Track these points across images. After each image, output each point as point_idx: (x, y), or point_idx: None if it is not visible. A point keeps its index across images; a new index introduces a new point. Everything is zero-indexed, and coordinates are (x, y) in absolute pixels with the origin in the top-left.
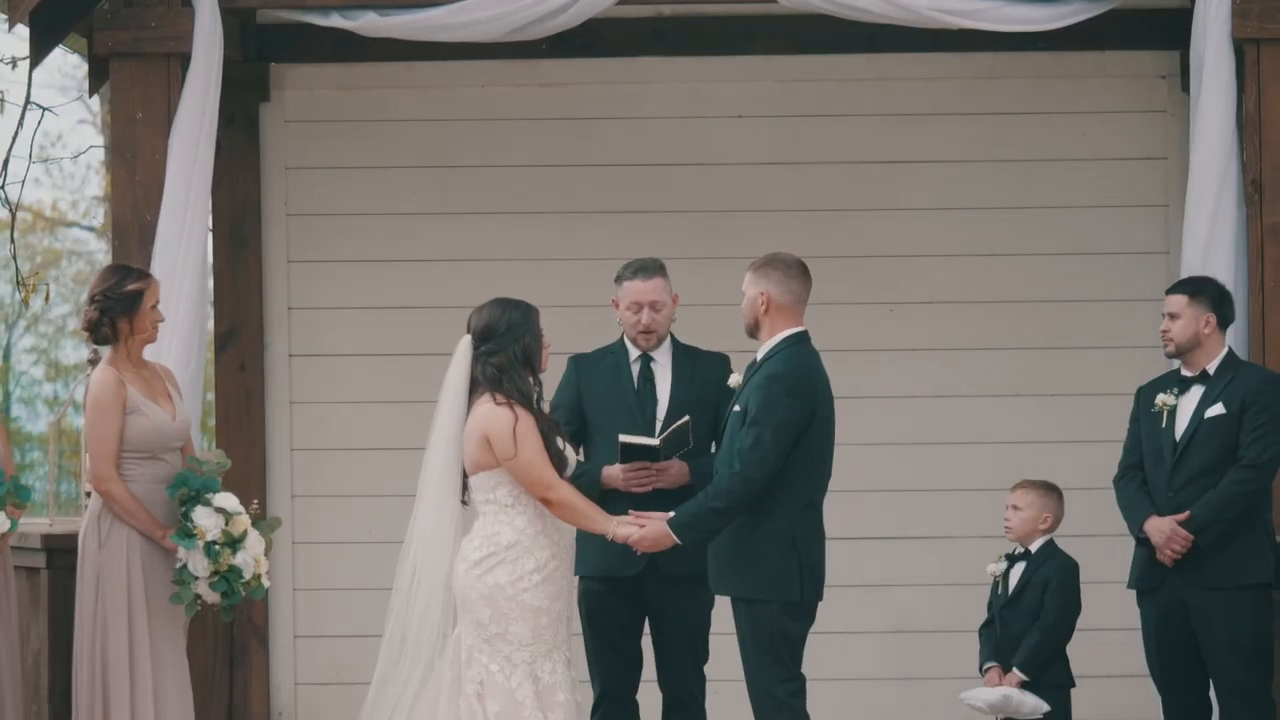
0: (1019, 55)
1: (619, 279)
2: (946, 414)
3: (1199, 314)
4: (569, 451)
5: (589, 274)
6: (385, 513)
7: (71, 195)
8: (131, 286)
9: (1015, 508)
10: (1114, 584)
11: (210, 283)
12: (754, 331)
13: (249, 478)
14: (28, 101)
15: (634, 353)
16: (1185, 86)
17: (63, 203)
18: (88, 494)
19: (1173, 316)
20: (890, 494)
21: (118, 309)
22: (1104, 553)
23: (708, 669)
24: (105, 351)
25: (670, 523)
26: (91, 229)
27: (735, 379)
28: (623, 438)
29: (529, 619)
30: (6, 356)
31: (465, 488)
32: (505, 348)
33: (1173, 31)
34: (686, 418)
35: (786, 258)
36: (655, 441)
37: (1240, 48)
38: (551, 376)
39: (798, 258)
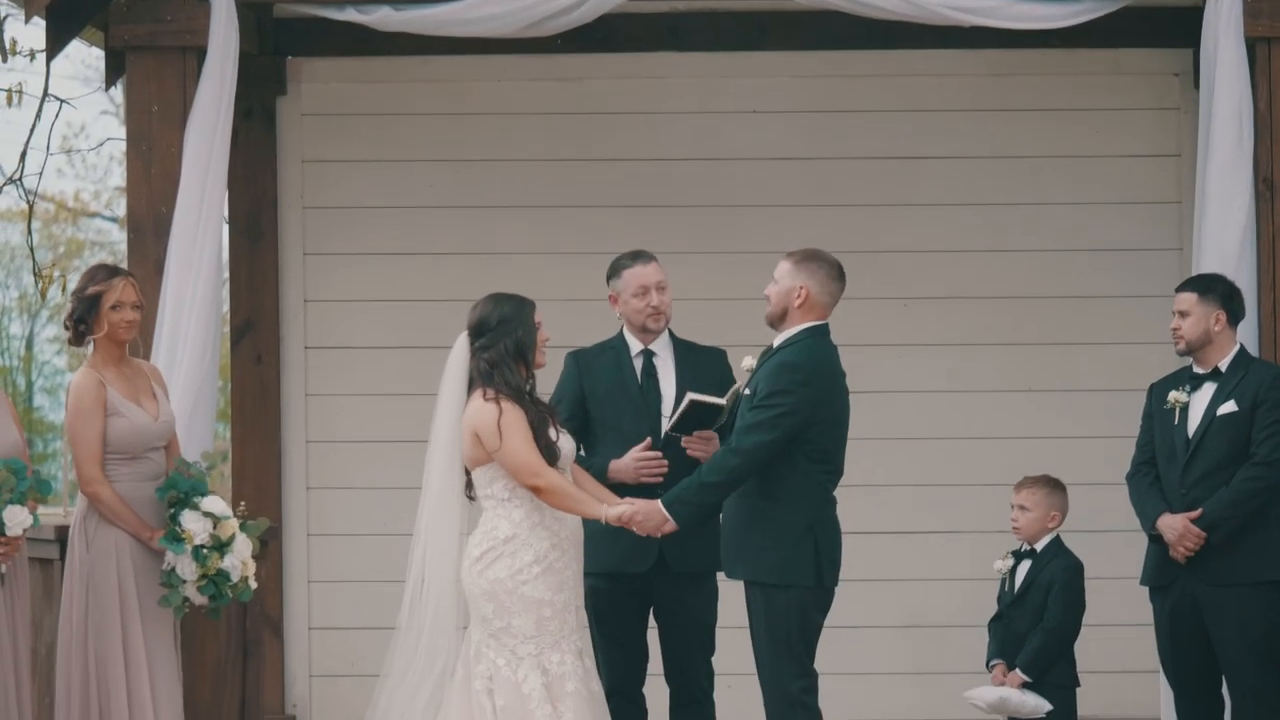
0: (1032, 52)
1: (617, 271)
2: (959, 409)
3: (1209, 311)
4: (565, 441)
5: (602, 269)
6: (400, 505)
7: (94, 186)
8: (91, 289)
9: (1023, 508)
10: (1124, 580)
11: (226, 275)
12: (777, 321)
13: (264, 469)
14: (45, 93)
15: (635, 347)
16: (1198, 84)
17: (85, 193)
18: None
19: (1182, 314)
20: (902, 488)
21: (80, 310)
22: (1115, 549)
23: (719, 663)
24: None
25: (663, 499)
26: (114, 219)
27: (750, 361)
28: (692, 395)
29: (531, 611)
30: (29, 346)
31: (470, 484)
32: (497, 342)
33: (1185, 29)
34: (741, 386)
35: (829, 257)
36: (723, 401)
37: (1252, 46)
38: (551, 372)
39: (837, 259)
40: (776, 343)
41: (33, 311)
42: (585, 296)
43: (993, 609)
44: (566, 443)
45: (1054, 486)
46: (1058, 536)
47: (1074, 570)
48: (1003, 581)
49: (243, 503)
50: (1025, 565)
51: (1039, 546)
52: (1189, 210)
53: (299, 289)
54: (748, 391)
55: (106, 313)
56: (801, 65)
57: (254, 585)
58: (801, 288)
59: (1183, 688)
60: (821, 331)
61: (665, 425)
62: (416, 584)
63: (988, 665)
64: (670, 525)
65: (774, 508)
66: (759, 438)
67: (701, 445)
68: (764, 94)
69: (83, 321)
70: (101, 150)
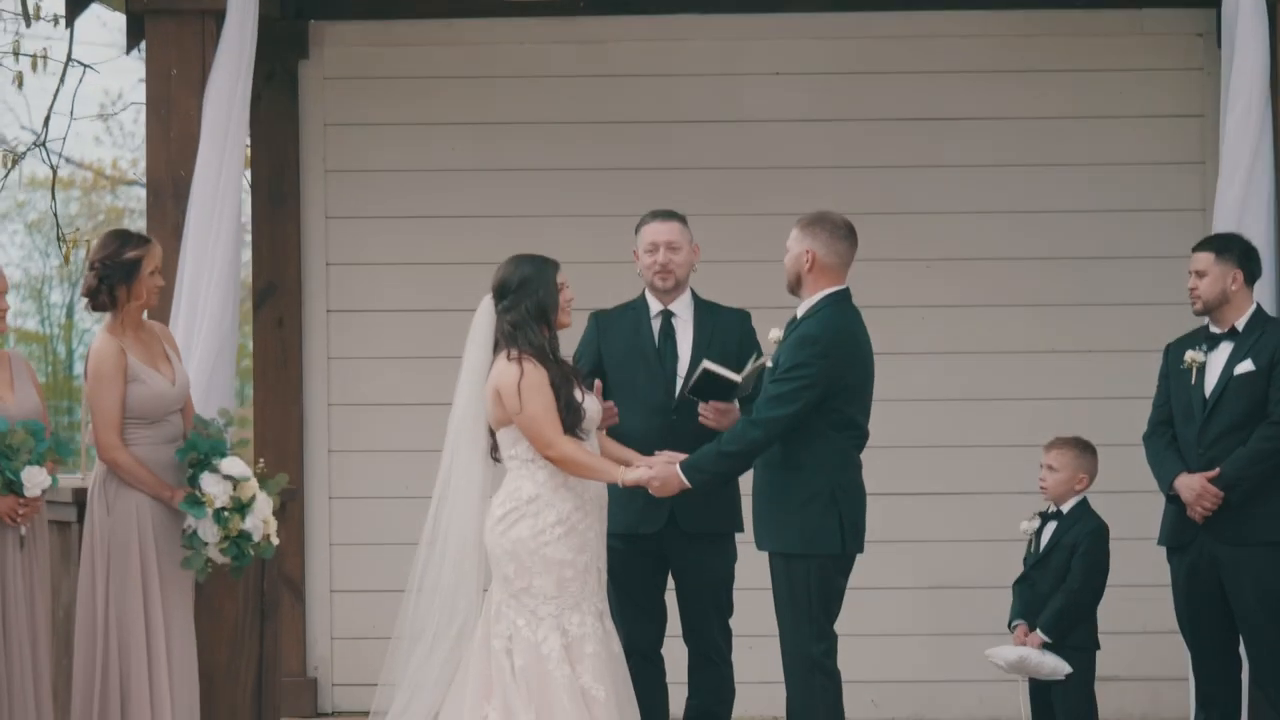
0: (1055, 12)
1: (637, 228)
2: (981, 370)
3: (1226, 271)
4: (590, 403)
5: (625, 230)
6: (422, 468)
7: (132, 154)
8: (130, 254)
9: (1051, 468)
10: (1145, 540)
11: (248, 238)
12: (795, 288)
13: (286, 433)
14: (69, 58)
15: (655, 308)
16: (1221, 43)
17: (123, 161)
18: None
19: (1199, 274)
20: (924, 449)
21: (117, 276)
22: (1135, 509)
23: (739, 625)
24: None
25: (681, 464)
26: None
27: (776, 333)
28: (707, 364)
29: (552, 572)
30: (69, 314)
31: (496, 445)
32: (519, 303)
33: None
34: (764, 360)
35: (835, 218)
36: (738, 377)
37: (1273, 5)
38: (574, 332)
39: (846, 219)
40: (799, 312)
41: (73, 280)
42: (607, 259)
43: (1014, 570)
44: (592, 404)
45: (1084, 449)
46: (1084, 499)
47: (1098, 534)
48: (1029, 542)
49: (261, 460)
50: (1051, 526)
51: (1065, 508)
52: (1212, 171)
53: (321, 252)
54: (771, 364)
55: (146, 278)
56: (823, 27)
57: (275, 542)
58: (808, 252)
59: (1200, 647)
60: (841, 298)
61: (679, 386)
62: (429, 545)
63: (1010, 625)
64: (687, 488)
65: (798, 477)
66: (779, 411)
67: (716, 417)
68: (785, 56)
69: (119, 286)
70: (139, 119)
